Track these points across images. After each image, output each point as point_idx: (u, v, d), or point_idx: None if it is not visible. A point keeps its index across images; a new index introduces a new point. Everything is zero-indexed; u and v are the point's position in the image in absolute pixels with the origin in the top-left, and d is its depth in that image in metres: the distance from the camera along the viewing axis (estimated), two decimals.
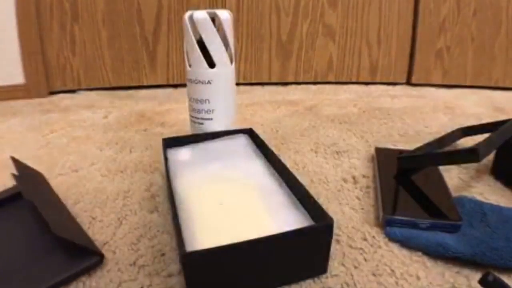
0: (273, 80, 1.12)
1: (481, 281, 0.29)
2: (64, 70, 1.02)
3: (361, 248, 0.38)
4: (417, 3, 1.05)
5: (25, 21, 0.93)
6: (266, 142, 0.52)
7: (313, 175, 0.55)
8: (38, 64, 0.97)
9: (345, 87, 1.09)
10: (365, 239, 0.40)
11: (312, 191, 0.49)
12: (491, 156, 0.54)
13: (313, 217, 0.37)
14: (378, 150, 0.58)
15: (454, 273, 0.35)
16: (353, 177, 0.54)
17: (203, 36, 0.52)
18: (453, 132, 0.64)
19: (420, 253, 0.37)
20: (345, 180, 0.53)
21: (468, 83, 1.08)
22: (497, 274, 0.29)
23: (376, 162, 0.54)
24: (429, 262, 0.36)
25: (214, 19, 0.53)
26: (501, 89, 1.06)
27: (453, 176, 0.54)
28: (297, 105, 0.90)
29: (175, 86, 1.09)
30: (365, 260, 0.37)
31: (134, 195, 0.49)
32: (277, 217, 0.38)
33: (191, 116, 0.58)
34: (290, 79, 1.12)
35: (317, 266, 0.35)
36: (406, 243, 0.39)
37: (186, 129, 0.69)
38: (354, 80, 1.12)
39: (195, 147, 0.54)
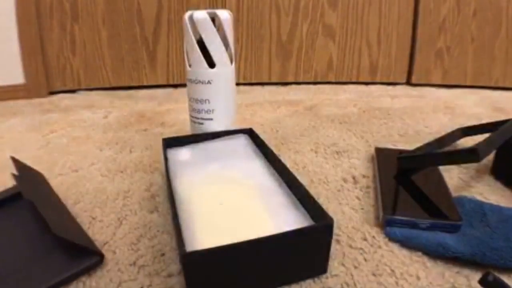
0: (273, 80, 1.12)
1: (481, 281, 0.29)
2: (64, 70, 1.02)
3: (361, 248, 0.38)
4: (417, 3, 1.05)
5: (25, 21, 0.93)
6: (266, 142, 0.52)
7: (313, 175, 0.55)
8: (38, 64, 0.97)
9: (345, 87, 1.09)
10: (365, 239, 0.40)
11: (312, 191, 0.49)
12: (491, 156, 0.54)
13: (313, 217, 0.37)
14: (378, 150, 0.58)
15: (454, 273, 0.35)
16: (353, 177, 0.54)
17: (203, 36, 0.52)
18: (453, 132, 0.64)
19: (420, 253, 0.37)
20: (345, 180, 0.53)
21: (468, 83, 1.08)
22: (497, 274, 0.29)
23: (376, 162, 0.54)
24: (429, 262, 0.36)
25: (214, 19, 0.53)
26: (501, 89, 1.06)
27: (453, 176, 0.54)
28: (297, 105, 0.90)
29: (175, 86, 1.09)
30: (365, 260, 0.37)
31: (134, 195, 0.49)
32: (277, 217, 0.38)
33: (191, 116, 0.58)
34: (290, 79, 1.12)
35: (317, 266, 0.35)
36: (406, 243, 0.39)
37: (186, 129, 0.69)
38: (354, 80, 1.12)
39: (195, 147, 0.54)
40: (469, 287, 0.33)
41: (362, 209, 0.46)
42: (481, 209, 0.42)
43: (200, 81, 0.54)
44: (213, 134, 0.56)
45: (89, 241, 0.39)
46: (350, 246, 0.39)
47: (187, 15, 0.53)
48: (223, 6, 1.03)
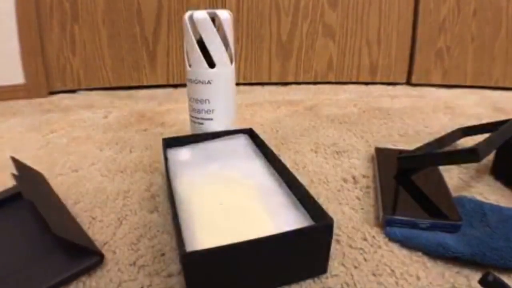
0: (273, 80, 1.12)
1: (481, 281, 0.29)
2: (64, 70, 1.02)
3: (361, 248, 0.38)
4: (417, 3, 1.05)
5: (25, 21, 0.93)
6: (266, 142, 0.52)
7: (313, 175, 0.55)
8: (38, 64, 0.97)
9: (345, 87, 1.09)
10: (365, 239, 0.40)
11: (312, 191, 0.49)
12: (491, 156, 0.54)
13: (313, 217, 0.37)
14: (378, 150, 0.58)
15: (454, 273, 0.35)
16: (353, 177, 0.54)
17: (203, 36, 0.52)
18: (453, 132, 0.64)
19: (420, 253, 0.37)
20: (345, 180, 0.53)
21: (468, 83, 1.08)
22: (497, 274, 0.29)
23: (376, 162, 0.54)
24: (429, 262, 0.36)
25: (214, 19, 0.53)
26: (501, 89, 1.06)
27: (453, 176, 0.54)
28: (297, 105, 0.90)
29: (175, 86, 1.09)
30: (365, 260, 0.37)
31: (134, 195, 0.49)
32: (277, 217, 0.38)
33: (191, 116, 0.58)
34: (290, 79, 1.12)
35: (317, 266, 0.35)
36: (406, 243, 0.39)
37: (186, 129, 0.69)
38: (354, 80, 1.12)
39: (195, 147, 0.54)
40: (469, 287, 0.33)
41: (362, 209, 0.46)
42: (481, 209, 0.42)
43: (200, 81, 0.54)
44: (213, 134, 0.56)
45: (89, 241, 0.39)
46: (350, 246, 0.39)
47: (187, 15, 0.53)
48: (223, 6, 1.03)
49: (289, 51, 1.09)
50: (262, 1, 1.04)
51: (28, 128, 0.76)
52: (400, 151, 0.58)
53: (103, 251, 0.38)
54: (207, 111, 0.56)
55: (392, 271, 0.35)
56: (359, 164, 0.58)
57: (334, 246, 0.39)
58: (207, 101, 0.55)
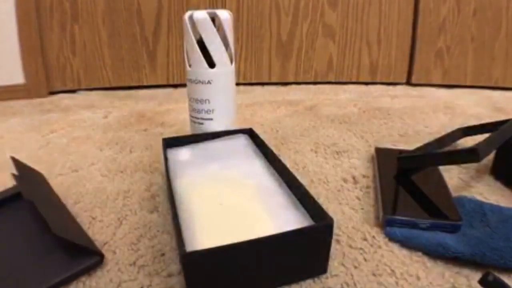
0: (273, 80, 1.12)
1: (481, 281, 0.29)
2: (64, 70, 1.02)
3: (361, 248, 0.38)
4: (417, 3, 1.05)
5: (25, 21, 0.93)
6: (266, 142, 0.52)
7: (313, 175, 0.55)
8: (38, 64, 0.97)
9: (345, 87, 1.09)
10: (365, 239, 0.40)
11: (312, 191, 0.49)
12: (491, 156, 0.54)
13: (313, 217, 0.37)
14: (378, 150, 0.58)
15: (454, 273, 0.35)
16: (353, 177, 0.54)
17: (203, 36, 0.53)
18: (453, 132, 0.64)
19: (420, 253, 0.37)
20: (345, 180, 0.53)
21: (468, 83, 1.08)
22: (497, 274, 0.29)
23: (376, 162, 0.54)
24: (429, 262, 0.36)
25: (214, 19, 0.53)
26: (501, 89, 1.06)
27: (453, 176, 0.54)
28: (297, 105, 0.90)
29: (175, 86, 1.09)
30: (365, 260, 0.37)
31: (134, 195, 0.49)
32: (277, 217, 0.38)
33: (191, 116, 0.58)
34: (290, 79, 1.12)
35: (317, 266, 0.35)
36: (406, 243, 0.39)
37: (186, 129, 0.69)
38: (354, 80, 1.12)
39: (195, 147, 0.54)
40: (469, 287, 0.33)
41: (362, 209, 0.46)
42: (481, 209, 0.42)
43: (200, 81, 0.54)
44: (213, 134, 0.56)
45: (89, 241, 0.39)
46: (350, 246, 0.39)
47: (187, 15, 0.53)
48: (223, 6, 1.04)
49: (289, 51, 1.09)
50: (262, 1, 1.04)
51: (28, 128, 0.76)
52: (400, 151, 0.58)
53: (103, 251, 0.38)
54: (207, 111, 0.56)
55: (392, 271, 0.35)
56: (359, 164, 0.58)
57: (334, 246, 0.39)
58: (207, 101, 0.55)
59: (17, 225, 0.41)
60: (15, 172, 0.44)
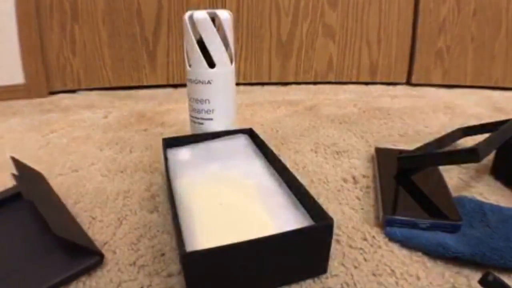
0: (273, 80, 1.12)
1: (481, 281, 0.29)
2: (64, 70, 1.02)
3: (361, 248, 0.38)
4: (417, 3, 1.05)
5: (25, 21, 0.93)
6: (266, 142, 0.52)
7: (313, 175, 0.55)
8: (38, 64, 0.97)
9: (345, 87, 1.09)
10: (365, 239, 0.40)
11: (312, 191, 0.49)
12: (491, 156, 0.54)
13: (313, 217, 0.37)
14: (378, 150, 0.58)
15: (454, 273, 0.35)
16: (353, 177, 0.54)
17: (203, 36, 0.52)
18: (453, 132, 0.64)
19: (420, 253, 0.37)
20: (345, 180, 0.53)
21: (468, 83, 1.08)
22: (497, 274, 0.29)
23: (376, 162, 0.54)
24: (429, 262, 0.36)
25: (214, 19, 0.53)
26: (501, 89, 1.06)
27: (453, 176, 0.54)
28: (297, 105, 0.90)
29: (175, 86, 1.09)
30: (365, 260, 0.37)
31: (134, 195, 0.49)
32: (277, 217, 0.38)
33: (191, 116, 0.58)
34: (290, 79, 1.12)
35: (317, 266, 0.35)
36: (406, 243, 0.39)
37: (186, 129, 0.69)
38: (354, 80, 1.12)
39: (195, 147, 0.54)
40: (469, 287, 0.33)
41: (362, 209, 0.46)
42: (481, 209, 0.42)
43: (200, 81, 0.54)
44: (213, 134, 0.56)
45: (89, 241, 0.39)
46: (350, 246, 0.39)
47: (187, 15, 0.53)
48: (223, 6, 1.04)
49: (289, 51, 1.09)
50: (262, 1, 1.04)
51: (28, 128, 0.76)
52: (400, 151, 0.58)
53: (103, 251, 0.38)
54: (207, 111, 0.56)
55: (392, 271, 0.35)
56: (359, 164, 0.58)
57: (334, 246, 0.39)
58: (207, 101, 0.55)
59: (17, 225, 0.41)
60: (15, 172, 0.44)
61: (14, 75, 0.96)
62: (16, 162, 0.47)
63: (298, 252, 0.33)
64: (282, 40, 1.08)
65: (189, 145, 0.55)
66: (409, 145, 0.64)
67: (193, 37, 0.53)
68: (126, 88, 1.07)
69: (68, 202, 0.47)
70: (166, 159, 0.49)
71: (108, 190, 0.51)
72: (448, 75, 1.09)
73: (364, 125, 0.75)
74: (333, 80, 1.13)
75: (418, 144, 0.60)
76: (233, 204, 0.40)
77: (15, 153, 0.62)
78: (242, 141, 0.55)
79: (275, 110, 0.87)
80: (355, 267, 0.36)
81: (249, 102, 0.93)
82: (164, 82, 1.08)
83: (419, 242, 0.38)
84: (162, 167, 0.57)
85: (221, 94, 0.55)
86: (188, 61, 0.55)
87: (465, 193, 0.48)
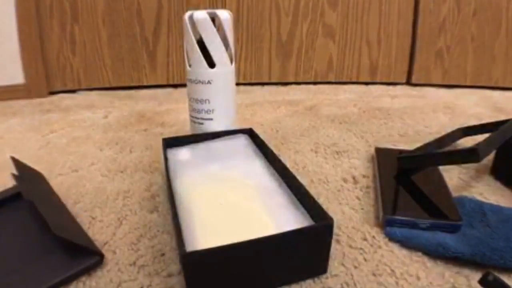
0: (273, 80, 1.12)
1: (481, 281, 0.29)
2: (64, 70, 1.02)
3: (361, 248, 0.38)
4: (417, 3, 1.05)
5: (25, 21, 0.93)
6: (266, 142, 0.52)
7: (313, 175, 0.55)
8: (38, 64, 0.97)
9: (345, 87, 1.09)
10: (365, 239, 0.40)
11: (312, 191, 0.49)
12: (491, 156, 0.54)
13: (313, 217, 0.37)
14: (378, 150, 0.58)
15: (454, 273, 0.35)
16: (353, 177, 0.54)
17: (203, 36, 0.53)
18: (453, 132, 0.64)
19: (420, 253, 0.37)
20: (345, 180, 0.53)
21: (468, 83, 1.08)
22: (497, 274, 0.29)
23: (376, 162, 0.54)
24: (429, 262, 0.36)
25: (214, 19, 0.53)
26: (501, 89, 1.06)
27: (453, 176, 0.54)
28: (297, 105, 0.90)
29: (175, 86, 1.09)
30: (365, 260, 0.37)
31: (134, 195, 0.49)
32: (277, 217, 0.38)
33: (191, 116, 0.58)
34: (290, 79, 1.12)
35: (317, 266, 0.35)
36: (406, 243, 0.39)
37: (186, 129, 0.69)
38: (354, 80, 1.12)
39: (195, 147, 0.54)
40: (469, 287, 0.33)
41: (362, 209, 0.46)
42: (481, 209, 0.42)
43: (200, 81, 0.54)
44: (213, 134, 0.56)
45: (89, 241, 0.39)
46: (350, 246, 0.39)
47: (187, 15, 0.53)
48: (223, 6, 1.03)
49: (289, 51, 1.09)
50: (262, 1, 1.04)
51: (28, 128, 0.76)
52: (400, 151, 0.58)
53: (103, 251, 0.38)
54: (207, 111, 0.56)
55: (392, 271, 0.35)
56: (359, 164, 0.58)
57: (334, 246, 0.39)
58: (207, 101, 0.55)
59: (17, 225, 0.41)
60: (15, 172, 0.44)
61: (14, 75, 0.96)
62: (16, 162, 0.47)
63: (298, 252, 0.33)
64: (282, 40, 1.08)
65: (189, 145, 0.55)
66: (409, 145, 0.64)
67: (193, 37, 0.53)
68: (126, 88, 1.07)
69: (68, 202, 0.47)
70: (166, 159, 0.49)
71: (108, 190, 0.51)
72: (448, 75, 1.09)
73: (364, 125, 0.75)
74: (333, 80, 1.13)
75: (418, 144, 0.60)
76: (233, 204, 0.40)
77: (15, 153, 0.62)
78: (242, 141, 0.55)
79: (275, 110, 0.87)
80: (355, 267, 0.36)
81: (249, 102, 0.93)
82: (164, 82, 1.09)
83: (419, 242, 0.38)
84: (162, 167, 0.57)
85: (221, 94, 0.55)
86: (188, 61, 0.55)
87: (465, 193, 0.48)
